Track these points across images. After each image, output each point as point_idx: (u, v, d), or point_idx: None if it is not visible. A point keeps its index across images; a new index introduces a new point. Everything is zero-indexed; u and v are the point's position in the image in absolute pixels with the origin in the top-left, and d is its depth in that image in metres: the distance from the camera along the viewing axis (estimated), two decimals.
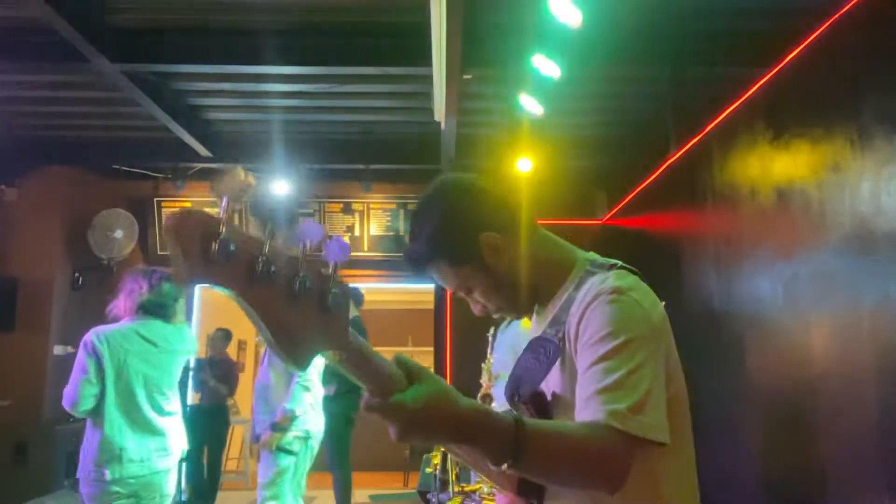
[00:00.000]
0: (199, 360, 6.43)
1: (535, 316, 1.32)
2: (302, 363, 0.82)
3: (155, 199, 7.32)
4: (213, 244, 0.75)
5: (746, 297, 3.37)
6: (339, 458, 5.37)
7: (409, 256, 1.29)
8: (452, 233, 1.24)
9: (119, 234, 7.18)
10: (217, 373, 6.35)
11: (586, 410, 1.02)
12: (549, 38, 3.86)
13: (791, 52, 2.95)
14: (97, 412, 2.94)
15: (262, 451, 3.88)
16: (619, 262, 1.21)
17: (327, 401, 5.28)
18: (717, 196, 3.77)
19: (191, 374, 6.48)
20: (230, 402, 6.60)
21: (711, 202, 3.84)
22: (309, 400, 3.97)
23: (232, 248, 0.76)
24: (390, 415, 0.85)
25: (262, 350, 9.99)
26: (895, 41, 2.30)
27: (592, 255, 1.26)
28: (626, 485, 0.99)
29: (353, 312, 5.59)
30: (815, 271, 2.75)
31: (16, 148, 6.46)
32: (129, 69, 4.70)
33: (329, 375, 5.28)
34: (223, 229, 0.76)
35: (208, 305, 7.64)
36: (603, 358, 1.04)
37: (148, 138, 6.48)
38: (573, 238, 1.32)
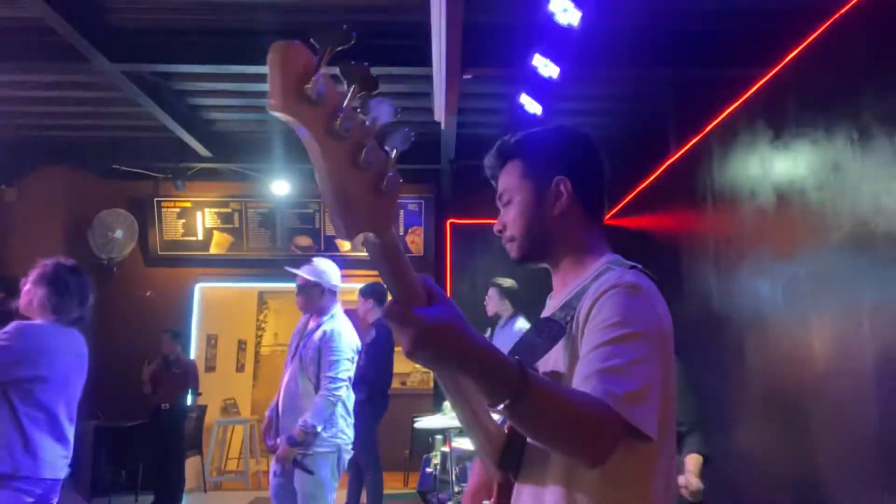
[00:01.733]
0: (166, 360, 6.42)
1: (548, 300, 1.33)
2: (350, 232, 0.84)
3: (155, 199, 7.32)
4: (310, 81, 0.78)
5: (746, 297, 3.37)
6: (371, 460, 5.33)
7: (505, 141, 1.33)
8: (551, 151, 1.29)
9: (119, 234, 7.19)
10: (177, 372, 6.34)
11: (585, 386, 1.03)
12: (549, 38, 3.86)
13: (791, 52, 2.95)
14: None
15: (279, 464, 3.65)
16: (639, 266, 1.22)
17: (361, 404, 5.12)
18: (717, 196, 3.77)
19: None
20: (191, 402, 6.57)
21: (711, 202, 3.84)
22: (340, 412, 3.62)
23: (322, 90, 0.79)
24: (407, 324, 0.87)
25: (262, 351, 10.00)
26: (895, 41, 2.30)
27: (617, 256, 1.27)
28: (618, 475, 1.04)
29: (376, 313, 5.37)
30: (815, 271, 2.75)
31: (16, 148, 6.46)
32: (129, 69, 4.71)
33: (362, 381, 5.16)
34: (321, 69, 0.79)
35: (208, 305, 7.64)
36: (609, 342, 1.05)
37: (148, 138, 6.49)
38: None
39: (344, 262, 7.29)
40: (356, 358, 3.77)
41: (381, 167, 0.87)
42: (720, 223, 3.77)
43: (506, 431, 1.21)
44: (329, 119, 0.81)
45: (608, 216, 5.87)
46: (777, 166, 3.08)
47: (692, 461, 2.76)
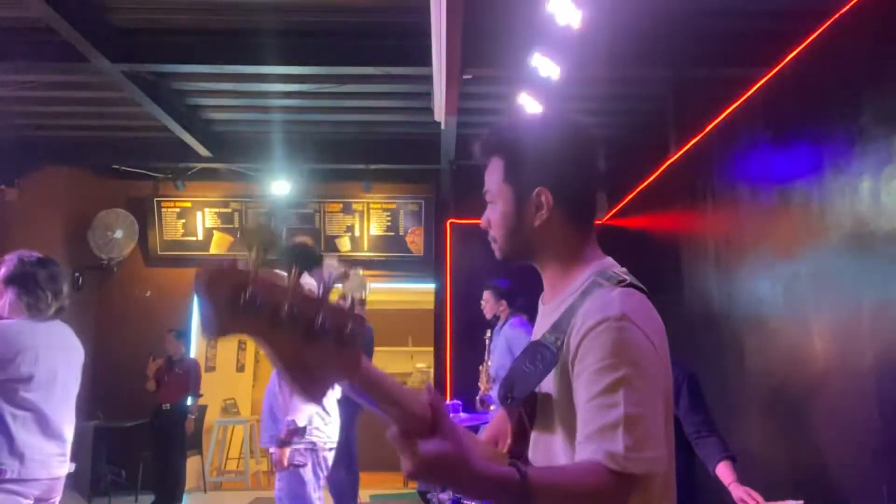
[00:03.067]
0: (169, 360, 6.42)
1: (541, 306, 1.32)
2: (318, 397, 0.88)
3: (155, 199, 7.32)
4: (242, 297, 0.78)
5: (746, 297, 3.37)
6: (347, 458, 5.36)
7: (491, 134, 1.32)
8: (533, 157, 1.24)
9: (119, 234, 7.19)
10: (179, 372, 6.34)
11: (587, 450, 1.03)
12: (549, 38, 3.86)
13: (791, 52, 2.95)
14: None
15: (277, 468, 3.76)
16: (628, 278, 1.19)
17: (336, 402, 5.23)
18: (717, 196, 3.77)
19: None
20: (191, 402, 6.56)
21: (711, 202, 3.84)
22: (316, 411, 3.83)
23: (258, 300, 0.80)
24: (409, 455, 0.90)
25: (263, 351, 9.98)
26: (895, 41, 2.30)
27: (608, 262, 1.25)
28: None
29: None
30: (815, 271, 2.75)
31: (16, 148, 6.46)
32: (129, 69, 4.70)
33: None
34: (251, 283, 0.79)
35: None
36: (603, 392, 1.04)
37: (148, 138, 6.48)
38: None
39: (344, 263, 7.31)
40: None
41: (340, 322, 0.88)
42: (720, 223, 3.77)
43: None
44: (272, 316, 0.81)
45: (608, 216, 5.87)
46: (777, 166, 3.08)
47: (727, 471, 2.65)
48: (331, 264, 0.84)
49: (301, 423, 3.58)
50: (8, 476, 2.52)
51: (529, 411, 1.18)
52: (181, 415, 6.34)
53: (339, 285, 0.91)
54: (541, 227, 1.22)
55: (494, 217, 1.27)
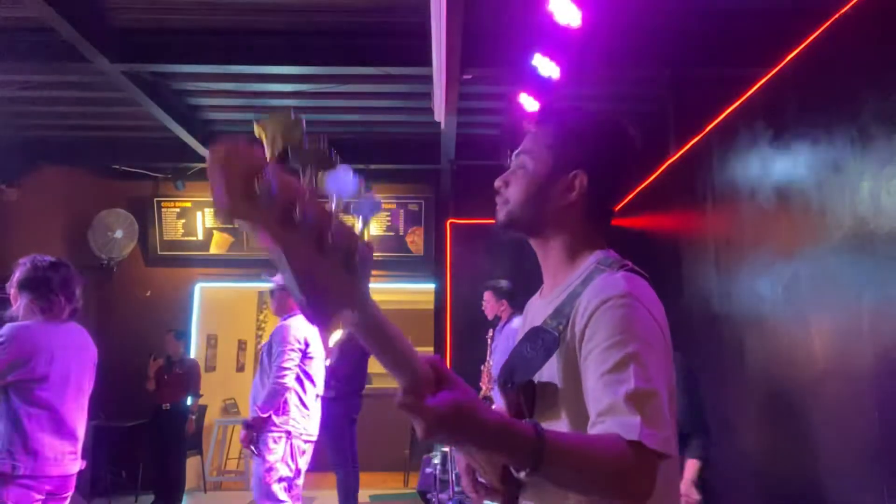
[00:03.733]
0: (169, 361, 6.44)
1: (538, 300, 1.31)
2: (327, 319, 0.80)
3: (155, 199, 7.32)
4: (257, 183, 0.74)
5: (746, 297, 3.36)
6: (340, 459, 5.38)
7: (558, 105, 1.34)
8: (584, 139, 1.25)
9: (119, 234, 7.19)
10: (179, 372, 6.35)
11: (602, 425, 1.01)
12: (549, 38, 3.86)
13: (791, 52, 2.94)
14: None
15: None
16: (629, 264, 1.19)
17: (330, 402, 5.30)
18: (717, 196, 3.76)
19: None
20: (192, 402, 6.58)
21: (711, 202, 3.84)
22: (294, 402, 3.96)
23: (274, 190, 0.75)
24: (420, 415, 0.86)
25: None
26: (895, 41, 2.30)
27: (611, 253, 1.24)
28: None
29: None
30: (815, 271, 2.75)
31: (16, 148, 6.46)
32: (129, 69, 4.70)
33: (331, 379, 5.28)
34: (268, 169, 0.74)
35: (209, 305, 7.64)
36: (614, 369, 1.02)
37: (148, 138, 6.49)
38: None
39: None
40: (313, 349, 4.06)
41: (350, 244, 0.83)
42: (720, 223, 3.77)
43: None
44: (285, 213, 0.76)
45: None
46: (777, 166, 3.08)
47: (691, 468, 2.76)
48: (346, 174, 0.74)
49: (262, 413, 3.77)
50: (22, 472, 2.59)
51: (528, 400, 1.16)
52: (181, 415, 6.35)
53: (352, 202, 0.85)
54: (564, 207, 1.23)
55: (519, 178, 1.25)
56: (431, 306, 7.09)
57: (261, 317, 10.03)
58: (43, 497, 2.66)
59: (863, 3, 2.44)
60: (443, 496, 3.66)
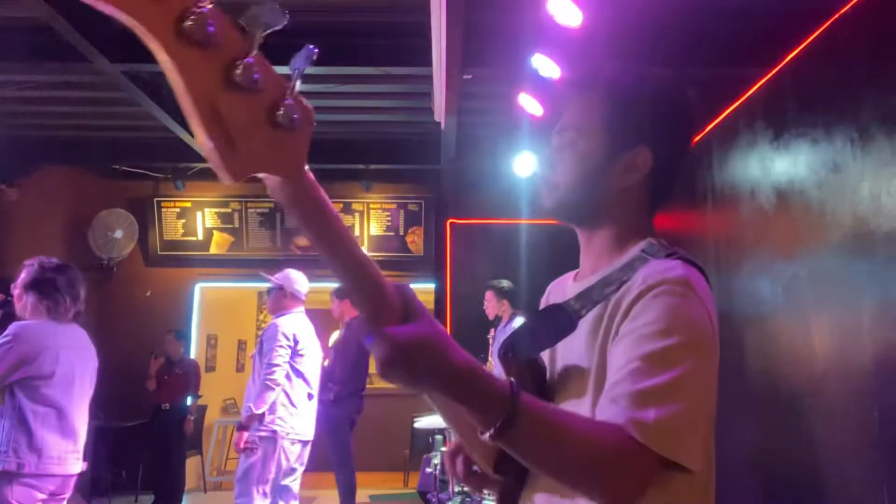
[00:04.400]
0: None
1: (570, 282, 1.15)
2: (236, 171, 0.65)
3: (155, 199, 7.32)
4: None
5: (746, 297, 3.37)
6: (341, 460, 5.38)
7: (600, 67, 1.09)
8: (648, 111, 1.05)
9: (119, 234, 7.19)
10: (179, 372, 6.36)
11: (610, 410, 0.87)
12: (549, 38, 3.86)
13: (791, 52, 2.95)
14: None
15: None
16: (680, 251, 1.03)
17: (329, 404, 5.31)
18: (717, 196, 3.77)
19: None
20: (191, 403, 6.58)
21: (711, 202, 3.84)
22: (281, 401, 3.92)
23: None
24: (378, 344, 0.73)
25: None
26: (895, 41, 2.30)
27: (655, 241, 1.08)
28: None
29: (352, 314, 5.46)
30: (815, 271, 2.75)
31: (16, 148, 6.46)
32: (129, 69, 4.70)
33: (328, 380, 5.30)
34: None
35: (208, 305, 7.64)
36: (648, 356, 0.88)
37: (148, 138, 6.48)
38: (573, 237, 1.27)
39: None
40: (303, 346, 4.05)
41: (274, 90, 0.70)
42: (720, 223, 3.77)
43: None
44: (179, 16, 0.63)
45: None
46: (777, 166, 3.08)
47: None
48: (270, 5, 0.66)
49: (256, 411, 3.76)
50: (26, 470, 2.63)
51: (532, 377, 1.02)
52: (181, 415, 6.35)
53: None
54: (622, 190, 1.06)
55: (567, 162, 1.06)
56: (431, 306, 7.09)
57: (261, 317, 10.02)
58: (45, 496, 2.69)
59: (863, 3, 2.44)
60: (443, 496, 3.66)
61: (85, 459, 2.89)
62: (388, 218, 7.39)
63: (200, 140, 0.64)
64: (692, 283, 0.95)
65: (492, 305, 4.87)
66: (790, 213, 2.94)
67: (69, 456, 2.75)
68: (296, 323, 4.05)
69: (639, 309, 0.93)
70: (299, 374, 4.02)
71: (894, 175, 2.22)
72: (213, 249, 7.31)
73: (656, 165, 1.05)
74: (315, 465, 4.34)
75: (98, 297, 7.32)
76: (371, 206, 7.38)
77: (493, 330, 4.85)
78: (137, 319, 7.08)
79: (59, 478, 2.72)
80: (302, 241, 7.26)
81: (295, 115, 0.71)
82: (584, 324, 0.98)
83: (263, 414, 3.85)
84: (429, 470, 4.11)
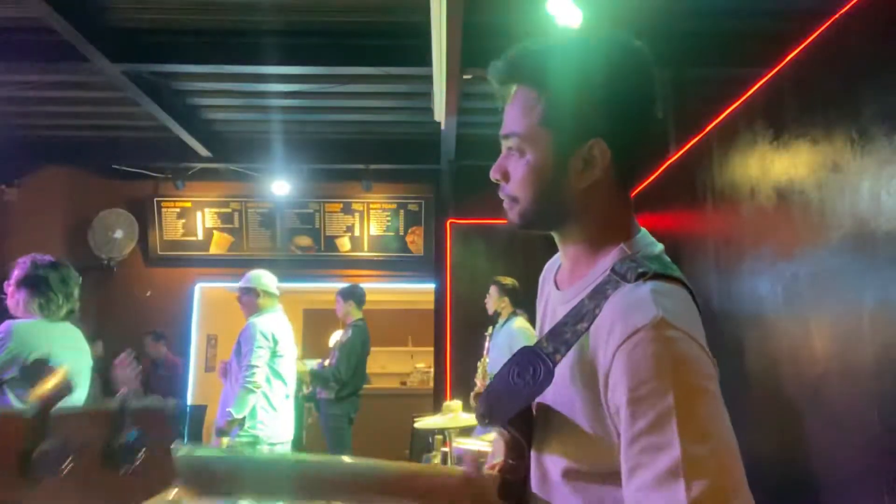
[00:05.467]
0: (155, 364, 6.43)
1: (554, 291, 1.06)
2: None
3: (155, 199, 7.31)
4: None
5: (746, 297, 3.36)
6: None
7: (523, 55, 0.98)
8: (589, 94, 0.92)
9: (119, 234, 7.18)
10: (163, 374, 6.35)
11: (647, 498, 0.77)
12: (549, 39, 3.86)
13: (791, 52, 2.94)
14: None
15: None
16: (654, 267, 0.91)
17: (328, 403, 5.32)
18: (717, 196, 3.76)
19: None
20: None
21: (711, 202, 3.84)
22: (261, 404, 3.81)
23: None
24: None
25: None
26: (895, 41, 2.30)
27: (641, 241, 0.98)
28: None
29: (356, 315, 5.56)
30: (815, 271, 2.75)
31: (16, 148, 6.46)
32: (129, 69, 4.70)
33: (323, 381, 5.32)
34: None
35: (208, 305, 7.63)
36: (648, 430, 0.78)
37: (148, 138, 6.48)
38: None
39: (344, 263, 7.32)
40: (282, 347, 3.94)
41: (105, 438, 0.75)
42: (720, 223, 3.77)
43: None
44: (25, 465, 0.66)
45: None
46: (777, 166, 3.08)
47: None
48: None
49: (237, 415, 3.67)
50: None
51: (524, 429, 0.96)
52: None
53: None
54: (584, 190, 0.94)
55: (520, 170, 0.96)
56: (431, 306, 7.09)
57: None
58: None
59: (863, 3, 2.44)
60: None
61: None
62: (388, 218, 7.39)
63: None
64: (667, 319, 0.84)
65: (492, 301, 4.88)
66: (790, 213, 2.94)
67: None
68: (274, 322, 3.97)
69: (616, 375, 0.82)
70: (278, 375, 3.90)
71: (894, 175, 2.22)
72: (213, 249, 7.31)
73: (617, 149, 0.93)
74: None
75: (98, 297, 7.32)
76: (371, 206, 7.38)
77: (490, 328, 4.86)
78: (137, 319, 7.08)
79: None
80: (302, 240, 7.26)
81: (131, 445, 0.74)
82: (560, 369, 0.90)
83: (244, 418, 3.73)
84: None
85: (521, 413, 0.92)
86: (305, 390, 5.55)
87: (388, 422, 6.90)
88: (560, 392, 0.92)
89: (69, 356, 2.80)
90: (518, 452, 0.98)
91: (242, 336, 3.93)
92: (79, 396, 2.84)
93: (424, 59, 4.33)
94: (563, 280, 1.04)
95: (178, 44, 4.62)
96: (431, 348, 7.06)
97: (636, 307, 0.84)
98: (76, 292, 2.86)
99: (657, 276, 0.90)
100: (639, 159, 0.98)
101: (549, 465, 0.95)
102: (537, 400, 0.95)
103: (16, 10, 4.22)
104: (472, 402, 4.69)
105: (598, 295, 0.89)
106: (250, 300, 4.09)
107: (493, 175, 1.00)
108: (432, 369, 7.23)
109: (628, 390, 0.80)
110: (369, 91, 5.46)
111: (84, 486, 0.68)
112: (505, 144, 0.99)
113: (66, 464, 0.67)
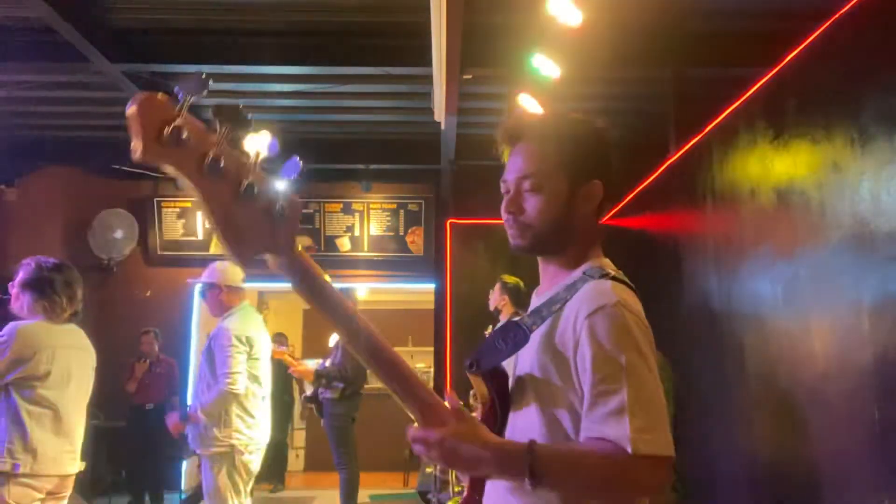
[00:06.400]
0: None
1: (534, 298, 1.34)
2: (245, 257, 0.94)
3: (155, 199, 7.32)
4: (167, 129, 0.84)
5: (746, 297, 3.36)
6: (344, 459, 5.38)
7: (540, 118, 1.38)
8: (592, 149, 1.26)
9: (119, 234, 7.18)
10: (159, 371, 6.35)
11: (597, 429, 1.07)
12: (549, 38, 3.86)
13: (791, 52, 2.94)
14: None
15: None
16: (611, 272, 1.22)
17: (331, 403, 5.30)
18: (717, 196, 3.76)
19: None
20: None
21: (711, 202, 3.84)
22: (237, 412, 3.57)
23: (184, 135, 0.85)
24: (417, 444, 1.06)
25: None
26: (895, 41, 2.30)
27: (595, 263, 1.25)
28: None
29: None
30: (815, 271, 2.75)
31: (16, 148, 6.46)
32: (129, 69, 4.71)
33: (328, 379, 5.29)
34: (179, 117, 0.86)
35: None
36: (606, 380, 1.07)
37: None
38: None
39: (344, 263, 7.33)
40: (257, 350, 3.73)
41: (271, 196, 0.95)
42: (720, 223, 3.77)
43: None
44: (199, 159, 0.88)
45: (608, 216, 5.85)
46: (777, 166, 3.08)
47: None
48: (264, 136, 1.00)
49: (205, 414, 3.47)
50: (21, 471, 2.61)
51: (496, 385, 1.22)
52: (165, 415, 6.33)
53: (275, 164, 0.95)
54: (584, 217, 1.25)
55: (538, 204, 1.23)
56: (431, 306, 7.09)
57: (261, 316, 10.03)
58: (43, 496, 2.68)
59: (863, 3, 2.44)
60: (443, 496, 3.66)
61: (83, 459, 2.88)
62: (388, 218, 7.39)
63: (216, 233, 0.90)
64: (624, 301, 1.13)
65: (494, 297, 4.89)
66: (790, 213, 2.94)
67: (65, 456, 2.73)
68: (246, 323, 3.76)
69: (584, 339, 1.11)
70: (254, 379, 3.70)
71: (894, 175, 2.22)
72: (213, 249, 7.31)
73: (606, 193, 1.26)
74: (315, 464, 4.32)
75: (98, 297, 7.31)
76: (371, 206, 7.38)
77: (490, 326, 4.86)
78: (137, 319, 7.08)
79: (56, 478, 2.70)
80: (302, 240, 7.25)
81: (290, 209, 0.98)
82: (536, 336, 1.18)
83: (218, 427, 3.53)
84: (429, 470, 4.11)
85: (498, 370, 1.20)
86: (307, 391, 5.54)
87: (388, 422, 6.89)
88: (535, 355, 1.19)
89: (73, 357, 2.82)
90: (492, 412, 1.23)
91: (214, 341, 3.66)
92: (86, 393, 2.89)
93: (424, 59, 4.33)
94: (542, 291, 1.31)
95: (178, 44, 4.62)
96: (431, 348, 7.06)
97: (601, 292, 1.15)
98: (80, 294, 2.88)
99: (616, 280, 1.21)
100: (613, 198, 1.32)
101: (524, 422, 1.19)
102: (517, 373, 1.23)
103: (16, 11, 4.23)
104: (471, 401, 4.69)
105: (571, 288, 1.19)
106: (214, 297, 3.83)
107: (509, 208, 1.25)
108: (432, 369, 7.24)
109: (591, 351, 1.09)
110: (369, 91, 5.46)
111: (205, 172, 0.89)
112: (515, 185, 1.25)
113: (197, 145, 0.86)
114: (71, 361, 2.79)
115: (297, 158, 0.98)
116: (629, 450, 1.02)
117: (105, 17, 4.36)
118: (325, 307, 1.00)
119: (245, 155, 0.93)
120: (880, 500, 2.27)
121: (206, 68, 4.89)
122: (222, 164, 0.89)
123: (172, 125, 0.84)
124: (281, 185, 0.98)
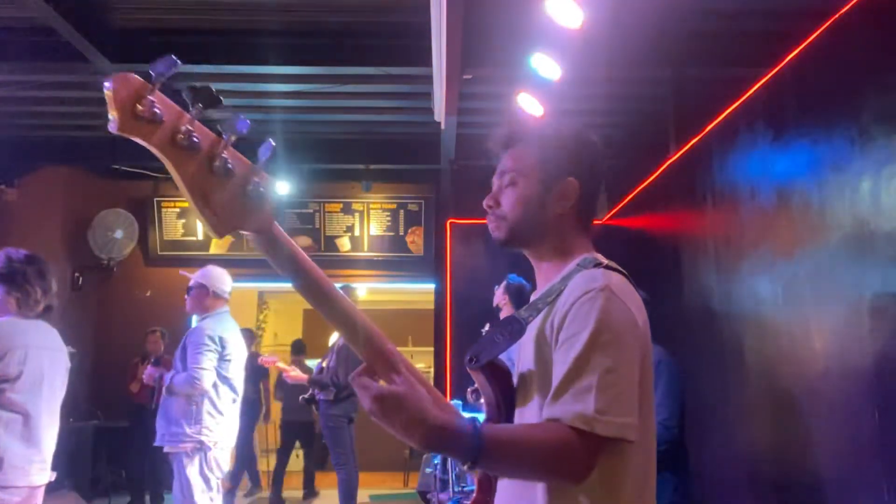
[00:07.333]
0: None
1: (532, 297, 1.34)
2: (220, 230, 0.97)
3: (155, 199, 7.32)
4: (139, 104, 0.90)
5: (746, 297, 3.37)
6: (341, 459, 5.39)
7: (524, 123, 1.37)
8: (570, 150, 1.30)
9: (119, 234, 7.19)
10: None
11: (555, 408, 1.08)
12: (549, 38, 3.86)
13: (791, 52, 2.94)
14: None
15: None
16: (605, 261, 1.25)
17: (326, 404, 5.33)
18: (717, 196, 3.76)
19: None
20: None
21: (711, 202, 3.84)
22: (207, 409, 3.63)
23: (157, 111, 0.90)
24: (361, 394, 1.02)
25: (262, 351, 9.98)
26: (895, 41, 2.30)
27: (590, 256, 1.28)
28: (589, 478, 1.08)
29: None
30: (815, 271, 2.75)
31: (16, 148, 6.46)
32: (128, 69, 4.69)
33: (320, 386, 5.32)
34: (151, 94, 0.90)
35: None
36: (580, 358, 1.09)
37: None
38: None
39: (344, 263, 7.33)
40: (230, 351, 3.80)
41: (244, 173, 0.99)
42: (720, 223, 3.77)
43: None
44: (172, 134, 0.92)
45: (608, 216, 5.85)
46: (777, 166, 3.08)
47: None
48: (237, 117, 1.02)
49: (175, 385, 3.57)
50: None
51: (494, 378, 1.23)
52: None
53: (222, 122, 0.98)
54: (559, 215, 1.28)
55: (512, 198, 1.29)
56: (431, 306, 7.09)
57: (261, 317, 10.03)
58: None
59: (863, 3, 2.44)
60: (443, 496, 3.66)
61: (72, 460, 2.68)
62: (388, 218, 7.39)
63: (191, 204, 0.94)
64: (612, 286, 1.15)
65: (497, 295, 4.90)
66: (790, 213, 2.94)
67: (33, 466, 2.52)
68: (221, 325, 3.84)
69: (569, 319, 1.13)
70: (225, 380, 3.75)
71: (894, 175, 2.22)
72: (213, 249, 7.31)
73: (583, 191, 1.28)
74: (315, 465, 4.32)
75: (98, 297, 7.33)
76: (371, 206, 7.38)
77: (488, 324, 4.86)
78: (137, 319, 7.08)
79: (25, 489, 2.49)
80: (302, 240, 7.26)
81: (261, 189, 1.02)
82: (532, 329, 1.20)
83: (188, 423, 3.59)
84: (429, 470, 4.11)
85: (498, 366, 1.22)
86: (303, 394, 5.57)
87: None
88: (532, 347, 1.21)
89: (46, 358, 2.65)
90: (497, 406, 1.24)
91: (188, 339, 3.75)
92: (58, 397, 2.71)
93: (424, 59, 4.33)
94: (537, 292, 1.33)
95: (179, 44, 4.62)
96: (431, 348, 7.06)
97: (591, 279, 1.17)
98: (54, 287, 2.71)
99: (609, 267, 1.23)
100: (595, 201, 1.33)
101: (528, 413, 1.19)
102: (520, 370, 1.25)
103: (16, 11, 4.23)
104: (469, 397, 4.69)
105: (565, 279, 1.22)
106: (199, 296, 3.99)
107: (487, 202, 1.31)
108: (432, 369, 7.23)
109: (574, 330, 1.11)
110: (369, 91, 5.46)
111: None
112: (501, 182, 1.31)
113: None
114: (44, 363, 2.60)
115: (271, 141, 1.02)
116: (584, 427, 1.03)
117: (105, 17, 4.36)
118: (306, 286, 1.04)
119: (218, 133, 0.97)
120: (881, 499, 2.27)
121: (206, 68, 4.90)
122: (195, 139, 0.93)
123: (146, 99, 0.90)
124: (256, 165, 1.02)
